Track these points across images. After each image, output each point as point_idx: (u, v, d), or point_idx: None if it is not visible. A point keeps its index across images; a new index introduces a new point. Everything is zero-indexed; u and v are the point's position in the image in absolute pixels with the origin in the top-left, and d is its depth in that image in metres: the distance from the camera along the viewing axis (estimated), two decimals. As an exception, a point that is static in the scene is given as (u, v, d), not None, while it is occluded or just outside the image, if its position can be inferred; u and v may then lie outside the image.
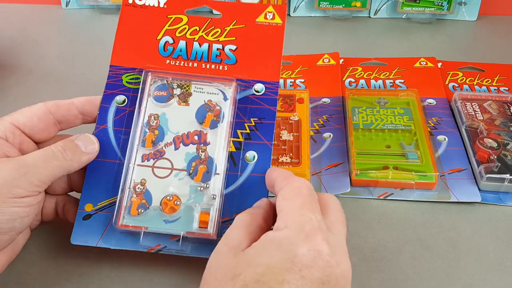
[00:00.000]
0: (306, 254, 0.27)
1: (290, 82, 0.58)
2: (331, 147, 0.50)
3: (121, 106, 0.40)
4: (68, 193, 0.40)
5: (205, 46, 0.41)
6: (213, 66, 0.41)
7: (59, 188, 0.39)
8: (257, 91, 0.40)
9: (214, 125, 0.39)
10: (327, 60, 0.61)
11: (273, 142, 0.39)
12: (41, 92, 0.59)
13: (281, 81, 0.59)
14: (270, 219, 0.33)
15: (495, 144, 0.48)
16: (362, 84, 0.58)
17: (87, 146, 0.37)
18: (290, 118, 0.51)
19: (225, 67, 0.41)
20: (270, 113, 0.40)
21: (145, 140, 0.38)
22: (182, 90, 0.40)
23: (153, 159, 0.38)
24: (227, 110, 0.39)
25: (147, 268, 0.38)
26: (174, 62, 0.41)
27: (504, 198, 0.45)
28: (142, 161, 0.38)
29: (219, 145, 0.38)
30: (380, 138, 0.49)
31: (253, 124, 0.40)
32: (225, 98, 0.40)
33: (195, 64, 0.41)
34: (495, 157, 0.46)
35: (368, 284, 0.38)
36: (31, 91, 0.60)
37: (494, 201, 0.45)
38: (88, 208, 0.38)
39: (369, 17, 0.75)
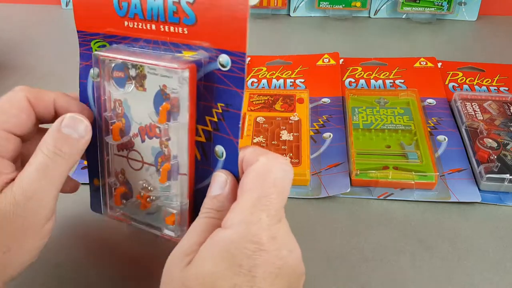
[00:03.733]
0: (252, 255, 0.26)
1: (290, 82, 0.58)
2: (331, 147, 0.50)
3: (97, 81, 0.35)
4: None
5: None
6: (172, 29, 0.33)
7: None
8: (222, 65, 0.31)
9: (172, 117, 0.32)
10: (327, 60, 0.61)
11: (238, 140, 0.32)
12: (41, 92, 0.59)
13: (281, 81, 0.59)
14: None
15: (495, 144, 0.48)
16: (362, 84, 0.58)
17: (77, 129, 0.31)
18: (290, 118, 0.51)
19: (185, 29, 0.32)
20: (236, 98, 0.31)
21: (111, 131, 0.34)
22: (137, 71, 0.33)
23: (127, 150, 0.35)
24: (185, 98, 0.32)
25: (147, 268, 0.38)
26: (132, 24, 0.34)
27: (504, 198, 0.45)
28: (118, 151, 0.35)
29: (180, 141, 0.32)
30: (380, 138, 0.49)
31: (220, 111, 0.32)
32: (181, 82, 0.32)
33: (153, 26, 0.34)
34: (495, 157, 0.46)
35: (368, 284, 0.38)
36: (31, 91, 0.59)
37: (494, 201, 0.45)
38: (96, 182, 0.37)
39: (369, 17, 0.75)
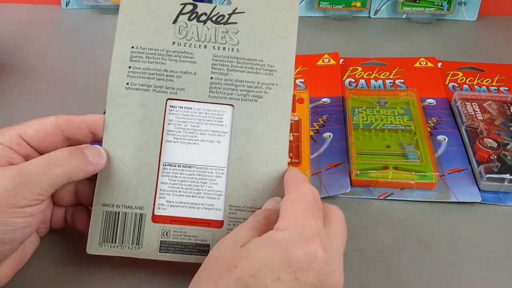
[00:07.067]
0: (303, 257, 0.28)
1: (290, 82, 0.58)
2: (331, 147, 0.50)
3: None
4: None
5: None
6: None
7: (65, 201, 0.38)
8: None
9: None
10: (327, 60, 0.61)
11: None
12: (41, 92, 0.59)
13: (281, 81, 0.59)
14: None
15: (495, 144, 0.48)
16: (362, 84, 0.58)
17: (94, 157, 0.35)
18: (290, 118, 0.51)
19: None
20: None
21: None
22: None
23: None
24: None
25: (147, 269, 0.38)
26: None
27: (504, 198, 0.45)
28: None
29: None
30: (380, 138, 0.49)
31: None
32: None
33: None
34: (495, 157, 0.46)
35: (368, 284, 0.38)
36: (31, 91, 0.60)
37: (494, 201, 0.45)
38: None
39: (369, 17, 0.75)
